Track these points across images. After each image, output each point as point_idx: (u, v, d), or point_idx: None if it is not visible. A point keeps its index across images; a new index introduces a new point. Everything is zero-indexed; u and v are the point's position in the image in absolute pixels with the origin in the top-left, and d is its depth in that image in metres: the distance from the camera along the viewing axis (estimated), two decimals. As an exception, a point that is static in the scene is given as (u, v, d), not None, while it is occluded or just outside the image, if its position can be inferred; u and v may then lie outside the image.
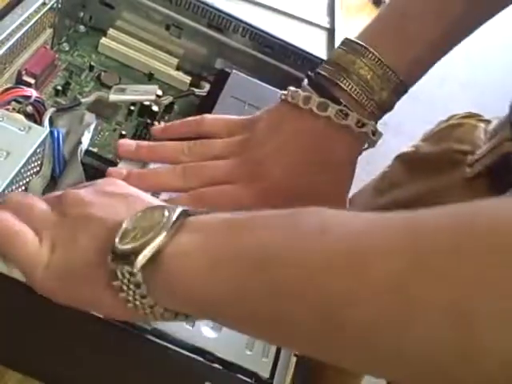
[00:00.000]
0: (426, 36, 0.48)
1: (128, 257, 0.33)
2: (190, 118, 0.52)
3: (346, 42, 0.48)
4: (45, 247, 0.37)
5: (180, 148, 0.50)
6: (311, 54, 0.66)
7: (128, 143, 0.50)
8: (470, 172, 0.60)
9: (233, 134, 0.50)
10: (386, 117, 0.71)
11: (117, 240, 0.34)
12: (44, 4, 0.59)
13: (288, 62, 0.66)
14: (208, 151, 0.49)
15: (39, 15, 0.58)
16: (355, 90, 0.46)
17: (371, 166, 0.84)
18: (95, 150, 0.56)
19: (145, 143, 0.50)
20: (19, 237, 0.37)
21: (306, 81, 0.48)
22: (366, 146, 0.49)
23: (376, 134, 0.48)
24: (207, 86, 0.65)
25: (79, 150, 0.51)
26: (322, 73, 0.48)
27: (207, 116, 0.52)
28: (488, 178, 0.58)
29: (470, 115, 0.67)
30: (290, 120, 0.47)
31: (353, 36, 0.49)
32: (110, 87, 0.61)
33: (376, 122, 0.48)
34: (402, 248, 0.27)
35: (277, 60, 0.66)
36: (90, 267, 0.35)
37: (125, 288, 0.33)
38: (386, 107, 0.48)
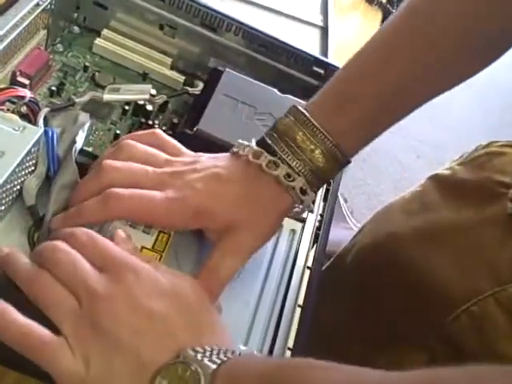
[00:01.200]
0: (363, 101, 0.48)
1: None
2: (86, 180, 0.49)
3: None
4: (79, 362, 0.37)
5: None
6: (304, 52, 0.66)
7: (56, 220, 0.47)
8: (511, 207, 0.59)
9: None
10: None
11: None
12: (38, 5, 0.59)
13: (281, 60, 0.67)
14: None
15: (33, 16, 0.58)
16: (282, 148, 0.47)
17: (367, 164, 0.84)
18: (90, 149, 0.56)
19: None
20: (50, 348, 0.37)
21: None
22: (296, 207, 0.48)
23: (306, 196, 0.47)
24: (201, 85, 0.65)
25: (73, 150, 0.51)
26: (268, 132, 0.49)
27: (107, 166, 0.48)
28: None
29: (511, 144, 0.66)
30: (227, 163, 0.48)
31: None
32: (104, 87, 0.62)
33: (315, 191, 0.48)
34: None
35: (270, 58, 0.67)
36: None
37: None
38: (322, 172, 0.48)
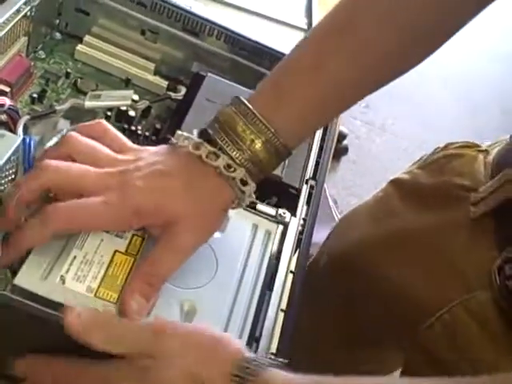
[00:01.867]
0: (301, 93, 0.48)
1: None
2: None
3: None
4: None
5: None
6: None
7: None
8: (474, 212, 0.59)
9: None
10: (372, 117, 0.71)
11: None
12: (18, 12, 0.59)
13: (264, 64, 0.67)
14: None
15: (13, 23, 0.58)
16: (223, 138, 0.46)
17: (357, 165, 0.84)
18: (72, 156, 0.56)
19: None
20: None
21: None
22: (236, 200, 0.48)
23: (247, 186, 0.47)
24: (184, 90, 0.65)
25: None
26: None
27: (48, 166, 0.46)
28: (494, 221, 0.57)
29: (468, 145, 0.66)
30: (168, 157, 0.48)
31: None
32: (86, 93, 0.61)
33: (256, 182, 0.48)
34: None
35: (252, 62, 0.67)
36: None
37: None
38: (263, 163, 0.47)
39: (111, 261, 0.46)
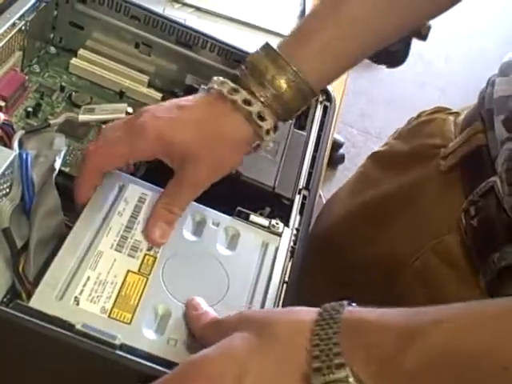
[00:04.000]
0: (320, 34, 0.51)
1: None
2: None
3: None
4: None
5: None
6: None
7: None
8: (443, 165, 0.62)
9: None
10: (368, 125, 0.73)
11: None
12: (13, 26, 0.59)
13: (257, 76, 0.67)
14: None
15: (8, 38, 0.59)
16: (245, 73, 0.50)
17: (352, 173, 0.85)
18: (67, 169, 0.57)
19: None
20: None
21: None
22: (255, 138, 0.50)
23: (265, 121, 0.49)
24: (178, 102, 0.66)
25: (53, 177, 0.51)
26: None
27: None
28: (462, 171, 0.60)
29: (439, 110, 0.69)
30: (193, 96, 0.52)
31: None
32: (81, 107, 0.62)
33: (280, 120, 0.51)
34: None
35: (245, 74, 0.67)
36: None
37: None
38: (285, 100, 0.50)
39: (124, 281, 0.46)
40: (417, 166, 0.65)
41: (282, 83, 0.49)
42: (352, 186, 0.77)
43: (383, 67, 1.53)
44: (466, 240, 0.56)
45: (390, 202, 0.67)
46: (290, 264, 0.51)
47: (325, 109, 0.66)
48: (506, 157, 0.53)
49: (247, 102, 0.49)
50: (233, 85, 0.49)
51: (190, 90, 0.62)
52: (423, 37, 1.33)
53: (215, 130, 0.49)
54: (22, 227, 0.48)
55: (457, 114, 0.67)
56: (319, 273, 0.72)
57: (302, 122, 0.64)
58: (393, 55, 1.43)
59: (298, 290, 0.49)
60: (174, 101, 0.51)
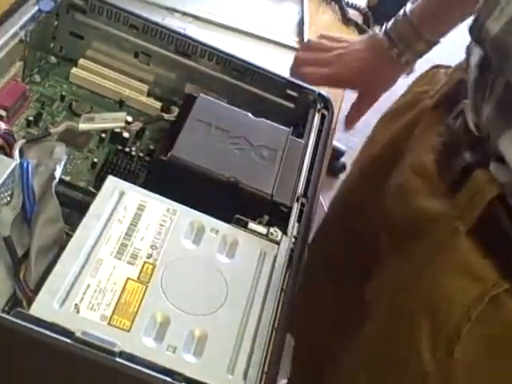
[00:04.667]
0: None
1: None
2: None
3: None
4: None
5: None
6: (277, 75, 0.68)
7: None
8: (430, 102, 0.67)
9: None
10: (364, 130, 0.76)
11: None
12: (14, 36, 0.60)
13: (255, 84, 0.68)
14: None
15: (8, 48, 0.59)
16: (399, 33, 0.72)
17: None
18: (67, 178, 0.57)
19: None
20: None
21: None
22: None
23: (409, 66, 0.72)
24: (177, 111, 0.66)
25: (53, 185, 0.52)
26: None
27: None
28: (446, 106, 0.63)
29: (434, 66, 0.74)
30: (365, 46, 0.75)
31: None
32: (81, 116, 0.62)
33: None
34: None
35: (244, 82, 0.68)
36: None
37: None
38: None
39: (124, 288, 0.46)
40: (407, 114, 0.71)
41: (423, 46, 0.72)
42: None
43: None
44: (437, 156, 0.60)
45: (387, 150, 0.73)
46: (288, 271, 0.51)
47: (323, 117, 0.67)
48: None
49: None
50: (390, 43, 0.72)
51: (190, 99, 0.63)
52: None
53: (379, 72, 0.75)
54: (23, 236, 0.49)
55: (448, 67, 0.70)
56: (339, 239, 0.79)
57: (300, 130, 0.65)
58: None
59: (305, 298, 0.49)
60: (357, 51, 0.75)
